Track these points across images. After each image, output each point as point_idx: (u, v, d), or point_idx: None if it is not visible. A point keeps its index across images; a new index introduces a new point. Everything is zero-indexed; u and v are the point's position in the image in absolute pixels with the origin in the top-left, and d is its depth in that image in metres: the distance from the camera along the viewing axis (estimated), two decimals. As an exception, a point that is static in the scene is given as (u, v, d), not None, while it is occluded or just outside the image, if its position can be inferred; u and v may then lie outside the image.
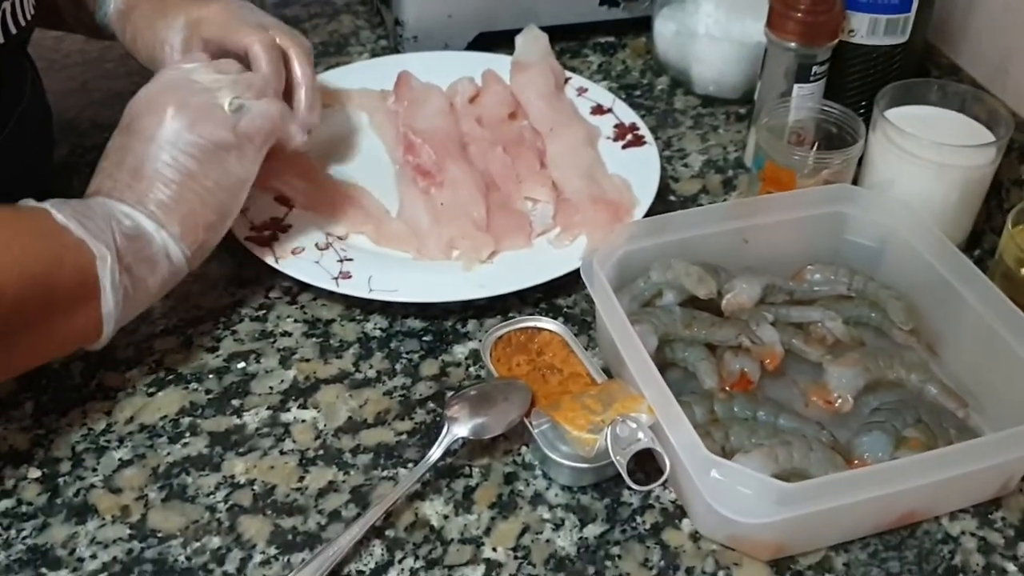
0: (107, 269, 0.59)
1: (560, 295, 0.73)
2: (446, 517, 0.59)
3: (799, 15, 0.76)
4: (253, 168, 0.68)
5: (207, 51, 0.73)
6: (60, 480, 0.61)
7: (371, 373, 0.67)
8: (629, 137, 0.84)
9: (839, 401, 0.63)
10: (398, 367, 0.68)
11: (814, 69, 0.78)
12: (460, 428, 0.60)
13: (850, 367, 0.64)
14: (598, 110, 0.88)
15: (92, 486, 0.61)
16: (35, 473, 0.61)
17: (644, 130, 0.84)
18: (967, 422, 0.63)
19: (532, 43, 0.91)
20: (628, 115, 0.86)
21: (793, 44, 0.77)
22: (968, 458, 0.55)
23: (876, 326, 0.69)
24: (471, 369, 0.68)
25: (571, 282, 0.72)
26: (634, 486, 0.57)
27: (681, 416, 0.56)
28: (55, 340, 0.60)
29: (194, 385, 0.67)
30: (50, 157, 0.82)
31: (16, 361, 0.59)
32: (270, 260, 0.72)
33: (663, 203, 0.81)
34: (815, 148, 0.76)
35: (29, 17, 0.71)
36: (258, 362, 0.68)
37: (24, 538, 0.58)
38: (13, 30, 0.68)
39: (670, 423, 0.56)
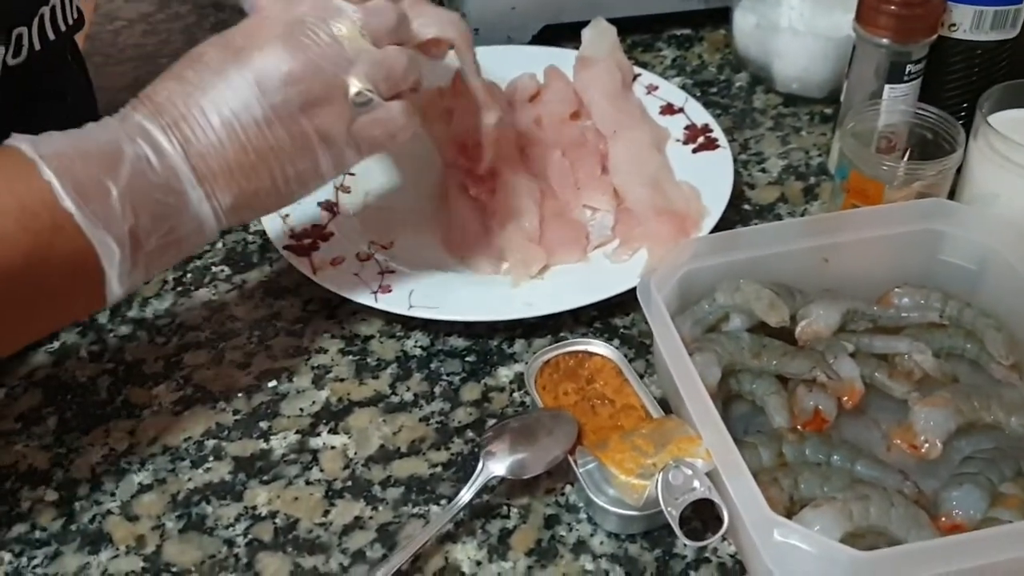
0: (115, 265, 0.50)
1: (617, 314, 0.67)
2: (479, 563, 0.54)
3: (893, 7, 0.68)
4: (342, 171, 0.58)
5: None
6: (77, 504, 0.58)
7: (408, 396, 0.63)
8: (701, 140, 0.77)
9: (926, 446, 0.56)
10: (437, 390, 0.63)
11: (909, 68, 0.70)
12: (497, 465, 0.55)
13: (940, 407, 0.57)
14: (668, 110, 0.81)
15: (109, 512, 0.57)
16: (52, 496, 0.58)
17: (717, 132, 0.78)
18: (1076, 476, 0.55)
19: (599, 37, 0.85)
20: (701, 115, 0.80)
21: (886, 40, 0.69)
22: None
23: (972, 359, 0.62)
24: (515, 395, 0.62)
25: (629, 299, 0.65)
26: (687, 541, 0.51)
27: (741, 466, 0.49)
28: (45, 321, 0.54)
29: (222, 404, 0.63)
30: None
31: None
32: (308, 272, 0.68)
33: (736, 213, 0.75)
34: (907, 157, 0.69)
35: (71, 21, 0.67)
36: (290, 381, 0.64)
37: (35, 567, 0.55)
38: (52, 36, 0.65)
39: (729, 473, 0.50)
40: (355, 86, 0.55)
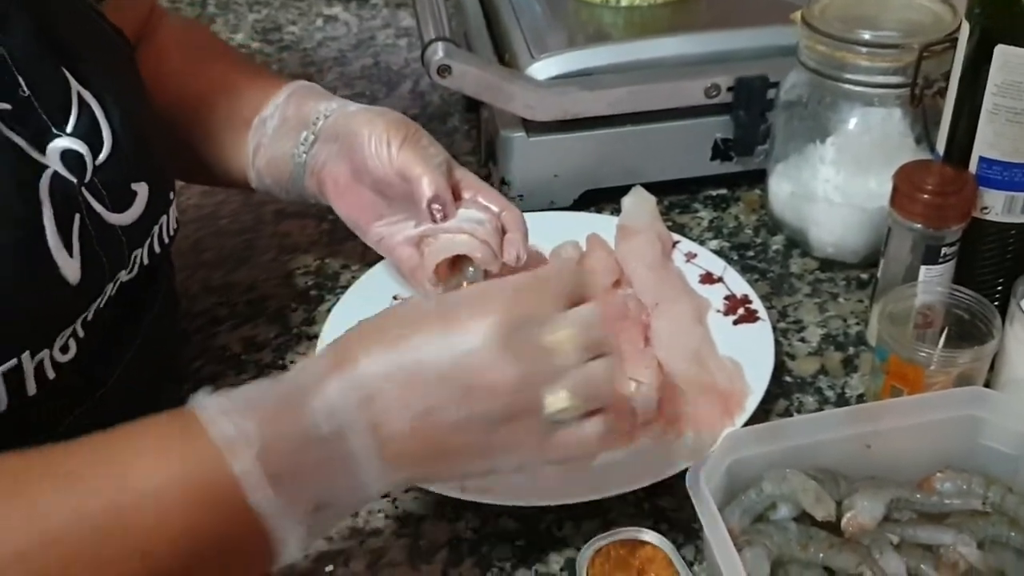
0: (290, 547, 0.49)
1: (664, 495, 0.69)
2: None
3: (926, 196, 0.71)
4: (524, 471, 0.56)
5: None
6: None
7: (461, 585, 0.64)
8: (741, 311, 0.80)
9: (974, 646, 0.57)
10: (489, 578, 0.64)
11: (943, 251, 0.73)
12: (552, 668, 0.56)
13: (988, 606, 0.58)
14: (708, 278, 0.84)
15: None
16: None
17: (757, 303, 0.80)
18: None
19: (638, 206, 0.88)
20: (740, 285, 0.82)
21: (919, 225, 0.72)
22: None
23: (1017, 547, 0.63)
24: (566, 584, 0.64)
25: (677, 480, 0.67)
26: None
27: None
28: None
29: (281, 590, 0.64)
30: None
31: None
32: (363, 451, 0.70)
33: (778, 386, 0.76)
34: (944, 335, 0.71)
35: (172, 232, 0.71)
36: (346, 566, 0.65)
37: None
38: (158, 249, 0.69)
39: None
40: (558, 404, 0.52)
